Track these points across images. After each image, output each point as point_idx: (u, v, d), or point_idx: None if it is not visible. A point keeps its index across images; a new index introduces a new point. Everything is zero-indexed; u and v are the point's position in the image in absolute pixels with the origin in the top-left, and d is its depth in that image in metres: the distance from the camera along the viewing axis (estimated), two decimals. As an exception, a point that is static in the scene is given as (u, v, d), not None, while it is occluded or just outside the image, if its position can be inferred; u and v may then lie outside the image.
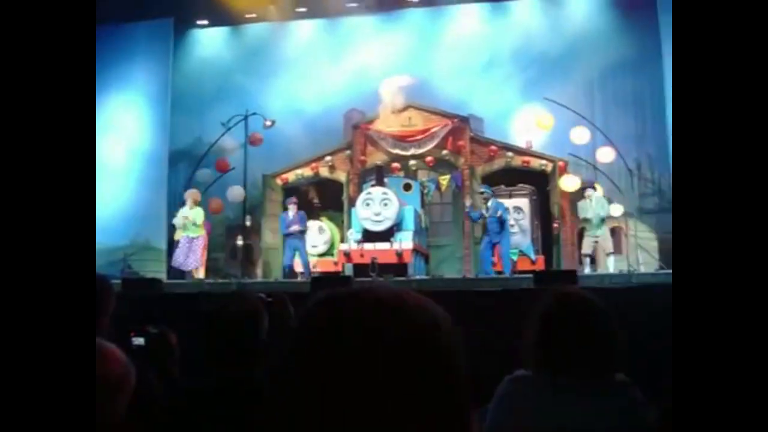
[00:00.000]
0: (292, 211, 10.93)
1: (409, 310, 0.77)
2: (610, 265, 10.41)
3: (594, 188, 11.13)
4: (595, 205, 10.71)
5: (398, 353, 0.73)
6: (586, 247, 10.78)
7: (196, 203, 11.03)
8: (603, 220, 10.67)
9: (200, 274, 10.79)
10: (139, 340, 3.00)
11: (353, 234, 10.95)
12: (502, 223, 10.26)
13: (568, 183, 11.83)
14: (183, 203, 11.23)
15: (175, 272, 11.19)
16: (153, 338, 3.02)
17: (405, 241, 10.41)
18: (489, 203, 10.36)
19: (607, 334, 1.91)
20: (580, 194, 11.18)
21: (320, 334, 0.75)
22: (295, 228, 10.75)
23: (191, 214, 10.74)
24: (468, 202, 11.56)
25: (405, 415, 0.71)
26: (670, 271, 9.34)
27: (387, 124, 12.98)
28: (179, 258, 10.71)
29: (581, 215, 10.94)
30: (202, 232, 10.83)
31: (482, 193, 10.78)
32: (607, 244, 10.68)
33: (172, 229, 11.39)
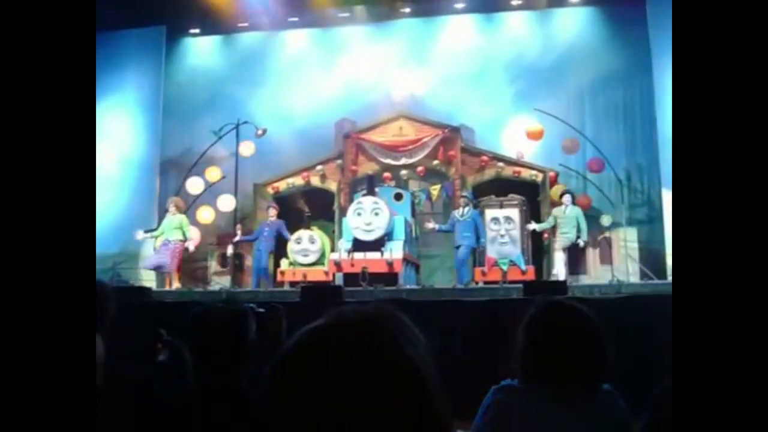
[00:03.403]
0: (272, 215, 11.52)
1: (386, 342, 0.81)
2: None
3: (572, 195, 11.17)
4: (568, 213, 10.84)
5: (379, 386, 0.76)
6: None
7: (179, 210, 10.92)
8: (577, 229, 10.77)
9: (174, 281, 10.65)
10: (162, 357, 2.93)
11: (344, 243, 10.94)
12: (476, 230, 10.37)
13: (558, 192, 11.89)
14: (167, 210, 11.14)
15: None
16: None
17: (396, 251, 10.39)
18: (466, 209, 10.41)
19: (595, 344, 1.91)
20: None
21: (307, 367, 0.79)
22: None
23: (174, 220, 10.69)
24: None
25: None
26: (658, 281, 9.37)
27: (378, 133, 13.02)
28: (151, 259, 10.69)
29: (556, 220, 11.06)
30: (180, 237, 10.67)
31: (464, 196, 10.85)
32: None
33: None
